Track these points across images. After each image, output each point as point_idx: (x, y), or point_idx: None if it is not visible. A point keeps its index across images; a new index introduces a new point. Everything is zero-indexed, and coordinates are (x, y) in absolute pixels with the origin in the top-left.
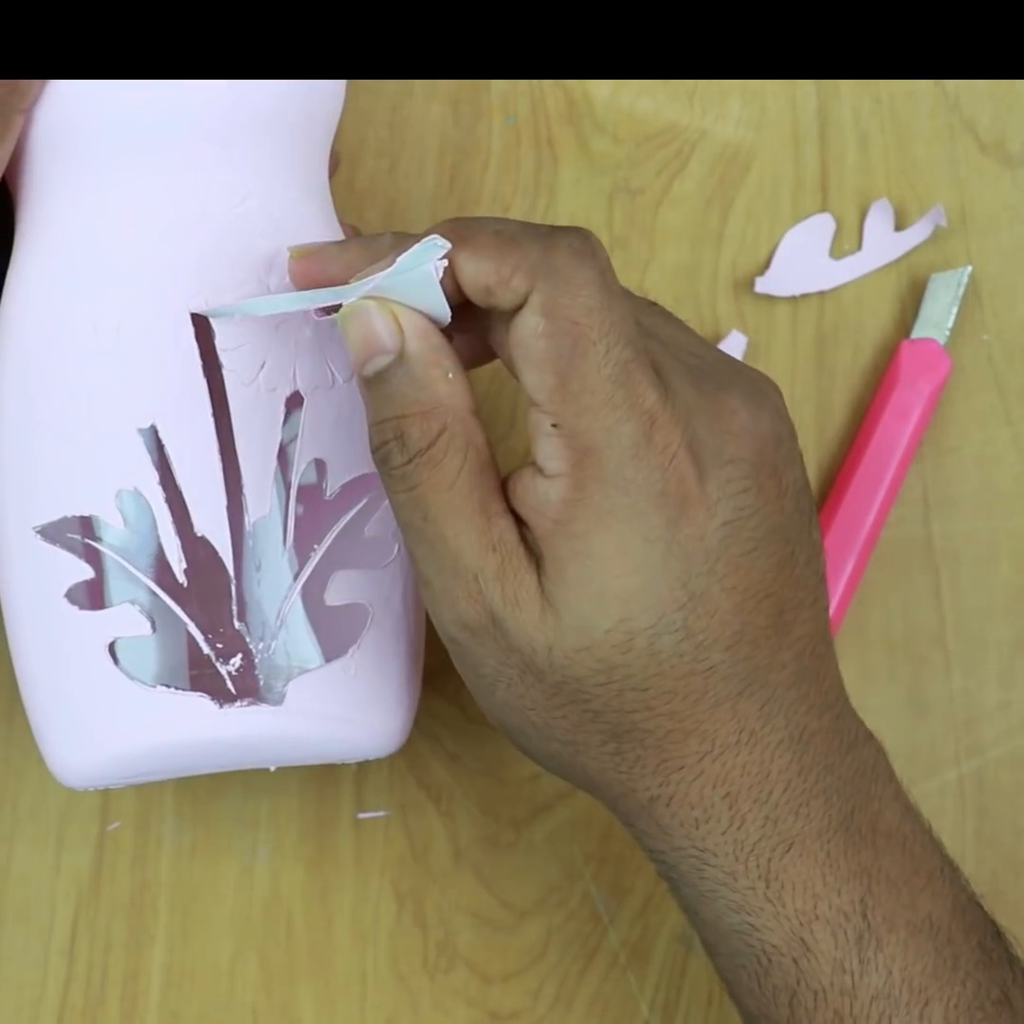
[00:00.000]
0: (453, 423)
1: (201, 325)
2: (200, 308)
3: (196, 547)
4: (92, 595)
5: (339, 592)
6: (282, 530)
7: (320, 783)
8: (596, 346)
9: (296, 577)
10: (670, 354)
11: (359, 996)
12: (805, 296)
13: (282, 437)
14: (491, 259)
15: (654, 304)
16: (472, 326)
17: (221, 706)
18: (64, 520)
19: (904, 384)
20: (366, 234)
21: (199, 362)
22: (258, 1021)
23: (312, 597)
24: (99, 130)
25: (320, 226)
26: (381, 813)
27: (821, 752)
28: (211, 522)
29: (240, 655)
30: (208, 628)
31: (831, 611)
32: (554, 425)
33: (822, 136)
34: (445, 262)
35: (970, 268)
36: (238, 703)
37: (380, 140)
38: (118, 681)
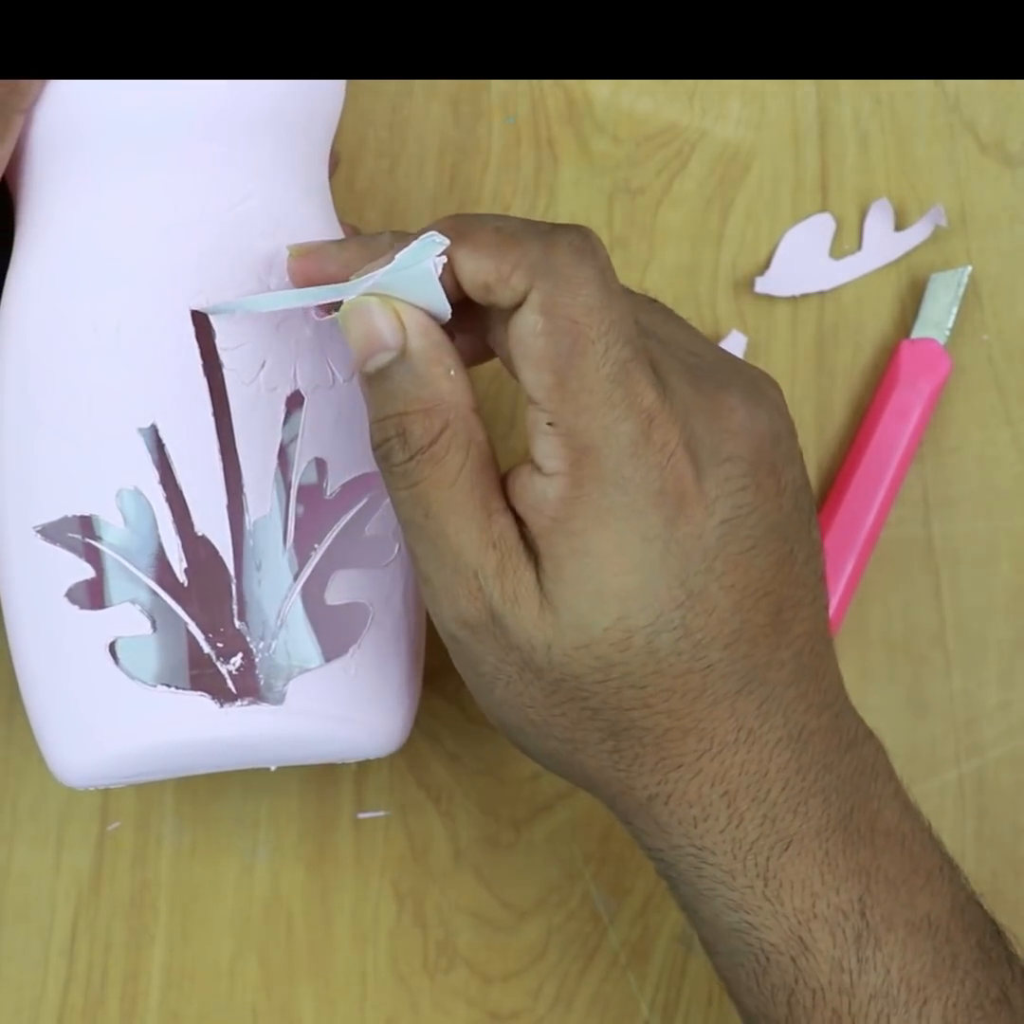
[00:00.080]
0: (455, 420)
1: (201, 324)
2: (201, 306)
3: (196, 546)
4: (92, 595)
5: (339, 591)
6: (282, 529)
7: (320, 783)
8: (595, 345)
9: (296, 576)
10: (668, 352)
11: (359, 996)
12: (805, 296)
13: (282, 436)
14: (491, 256)
15: (654, 301)
16: (471, 325)
17: (221, 705)
18: (64, 520)
19: (904, 384)
20: (365, 233)
21: (199, 361)
22: (258, 1021)
23: (312, 596)
24: (99, 130)
25: (320, 226)
26: (381, 813)
27: (820, 750)
28: (211, 521)
29: (240, 654)
30: (208, 627)
31: (831, 611)
32: (551, 423)
33: (822, 136)
34: (444, 258)
35: (970, 268)
36: (238, 702)
37: (380, 140)
38: (118, 681)
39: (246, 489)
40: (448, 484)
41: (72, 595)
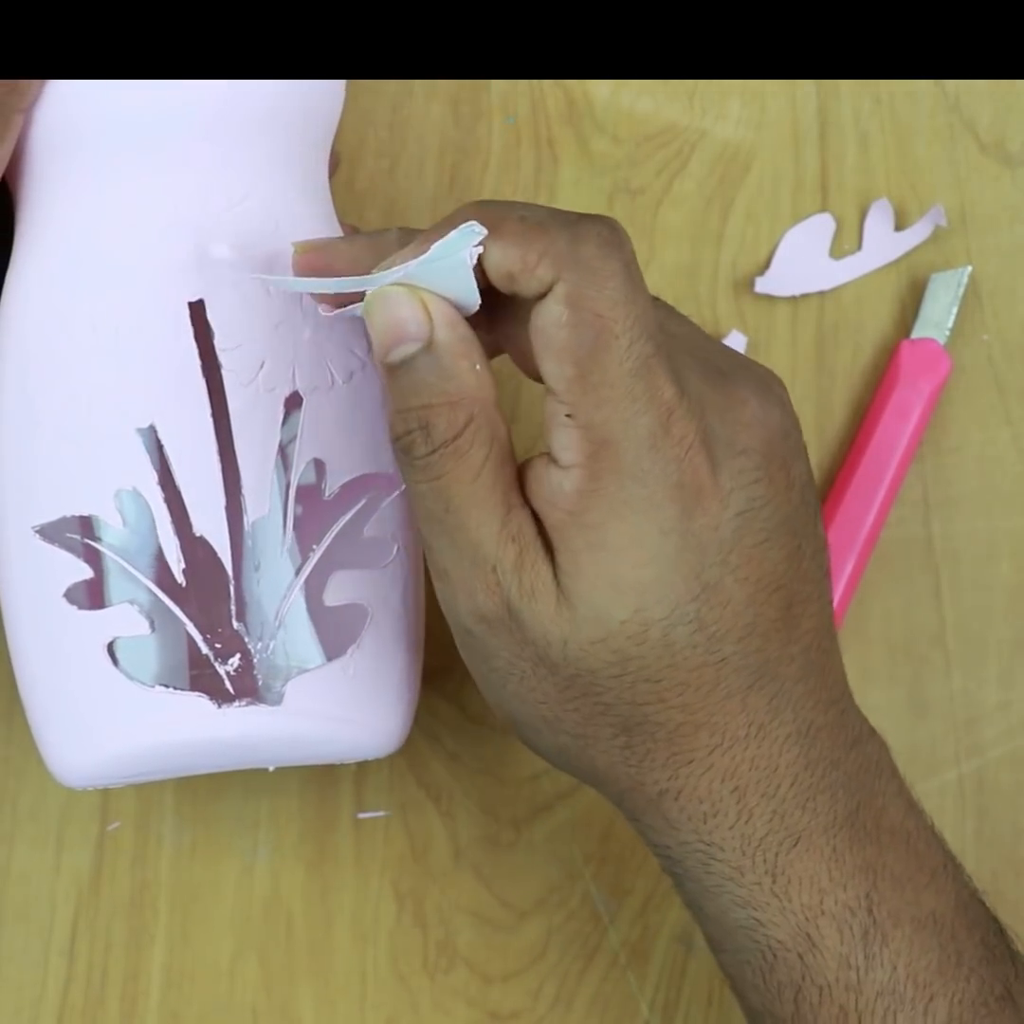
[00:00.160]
0: (479, 414)
1: (200, 325)
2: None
3: (195, 547)
4: (91, 595)
5: (338, 592)
6: (281, 530)
7: (320, 783)
8: (619, 339)
9: (295, 577)
10: (681, 347)
11: (359, 996)
12: (805, 296)
13: (281, 437)
14: (517, 246)
15: (657, 298)
16: (479, 319)
17: (220, 706)
18: (63, 520)
19: (904, 384)
20: (369, 230)
21: (198, 362)
22: (258, 1021)
23: (311, 597)
24: (99, 130)
25: (320, 226)
26: (381, 813)
27: (827, 747)
28: (210, 522)
29: (238, 655)
30: (207, 628)
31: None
32: (569, 415)
33: (822, 136)
34: (481, 249)
35: (970, 268)
36: (237, 703)
37: (380, 140)
38: (117, 681)
39: (245, 490)
40: (471, 478)
41: (70, 595)
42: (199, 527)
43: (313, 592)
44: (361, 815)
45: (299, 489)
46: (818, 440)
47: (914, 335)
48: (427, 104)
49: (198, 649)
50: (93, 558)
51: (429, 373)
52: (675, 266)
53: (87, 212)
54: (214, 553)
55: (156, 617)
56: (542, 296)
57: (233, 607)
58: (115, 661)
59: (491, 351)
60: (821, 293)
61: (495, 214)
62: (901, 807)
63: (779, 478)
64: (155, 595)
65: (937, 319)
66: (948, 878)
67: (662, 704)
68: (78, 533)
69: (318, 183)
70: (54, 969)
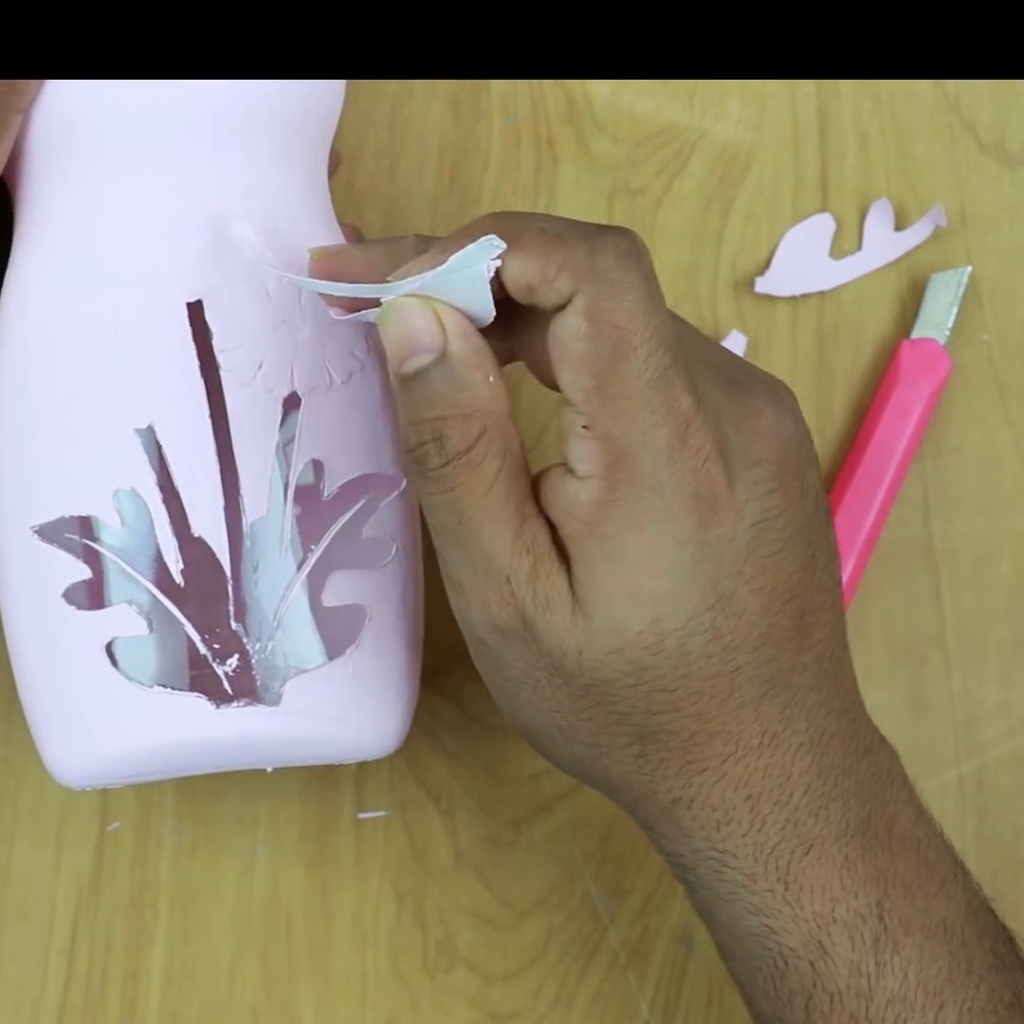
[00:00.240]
0: (492, 426)
1: (198, 326)
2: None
3: (193, 548)
4: (89, 595)
5: (337, 593)
6: (279, 531)
7: (320, 783)
8: (637, 351)
9: (293, 578)
10: (696, 357)
11: (359, 996)
12: (805, 296)
13: (279, 438)
14: (536, 257)
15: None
16: (494, 328)
17: (218, 707)
18: (62, 520)
19: (904, 384)
20: (386, 237)
21: (196, 363)
22: (258, 1021)
23: (310, 598)
24: (98, 130)
25: (319, 226)
26: (381, 813)
27: (839, 755)
28: (208, 523)
29: (237, 656)
30: (205, 629)
31: None
32: (586, 426)
33: (822, 136)
34: (499, 262)
35: (970, 268)
36: (235, 704)
37: (380, 140)
38: (115, 681)
39: (243, 490)
40: (484, 490)
41: (69, 595)
42: (197, 528)
43: (312, 592)
44: (361, 815)
45: (298, 489)
46: (818, 440)
47: (914, 335)
48: (427, 104)
49: (196, 649)
50: (92, 558)
51: (443, 385)
52: (675, 266)
53: (86, 212)
54: (212, 553)
55: (154, 617)
56: (560, 308)
57: (231, 607)
58: (114, 661)
59: (506, 359)
60: (821, 293)
61: (514, 226)
62: (912, 815)
63: (793, 488)
64: (153, 595)
65: (937, 319)
66: (958, 886)
67: (677, 713)
68: (77, 533)
69: (318, 183)
70: (54, 969)
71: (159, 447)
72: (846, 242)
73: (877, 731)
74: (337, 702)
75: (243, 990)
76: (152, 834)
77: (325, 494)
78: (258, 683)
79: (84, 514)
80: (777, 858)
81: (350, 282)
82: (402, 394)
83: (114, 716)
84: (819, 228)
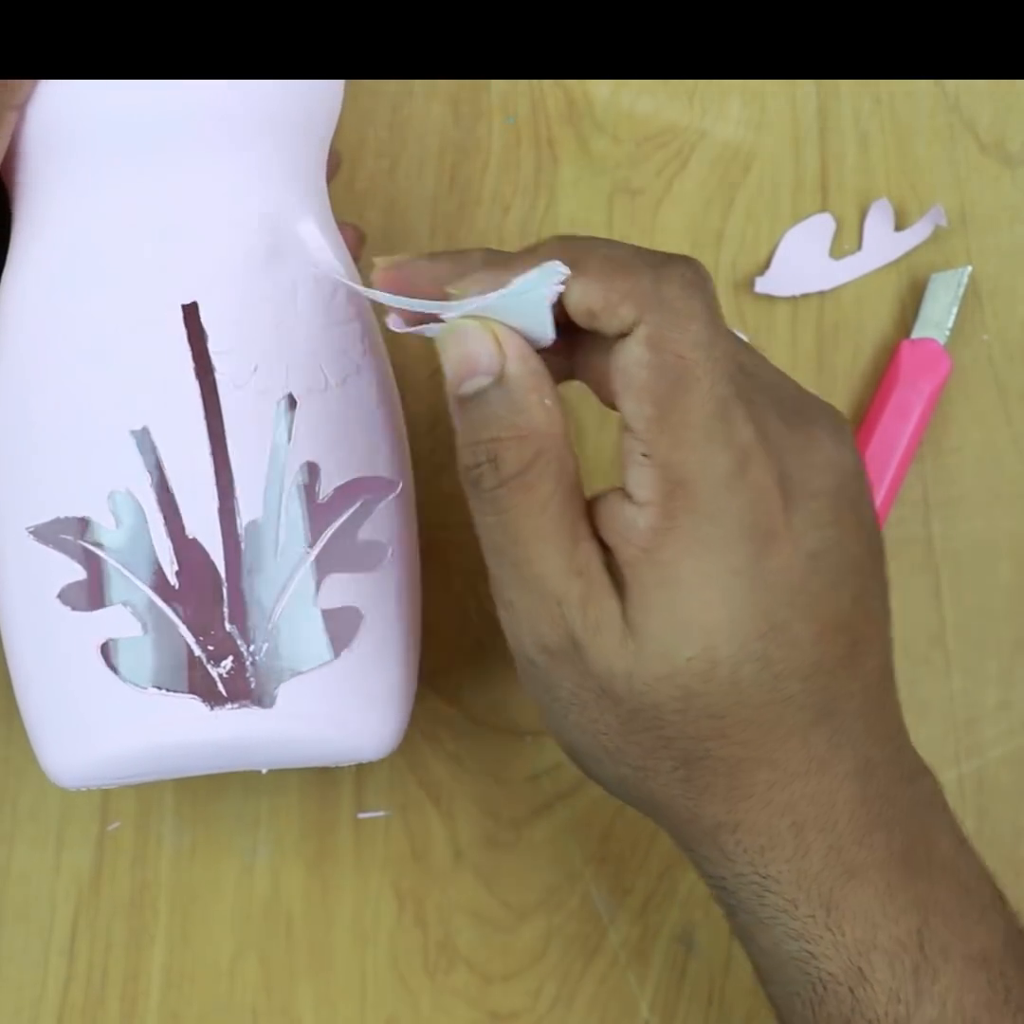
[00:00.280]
0: (548, 449)
1: (194, 327)
2: (339, 274)
3: (188, 549)
4: (85, 596)
5: (332, 595)
6: (275, 533)
7: (320, 783)
8: (700, 382)
9: (288, 580)
10: (758, 386)
11: (359, 996)
12: (805, 296)
13: (274, 440)
14: (600, 284)
15: (734, 334)
16: (553, 347)
17: (212, 708)
18: (57, 521)
19: (904, 384)
20: (453, 250)
21: (191, 365)
22: (258, 1021)
23: (304, 600)
24: (93, 130)
25: (317, 228)
26: (381, 813)
27: (884, 783)
28: (203, 525)
29: (231, 658)
30: (199, 630)
31: None
32: (646, 454)
33: (822, 136)
34: (562, 288)
35: (970, 268)
36: (229, 705)
37: (380, 140)
38: (111, 682)
39: (238, 493)
40: (537, 512)
41: (65, 596)
42: (192, 529)
43: (306, 595)
44: (361, 815)
45: (292, 492)
46: None
47: (914, 335)
48: (427, 104)
49: (191, 651)
50: (87, 559)
51: (499, 407)
52: None
53: (82, 213)
54: (207, 555)
55: (149, 619)
56: (622, 335)
57: (226, 609)
58: (109, 662)
59: (564, 377)
60: (821, 293)
61: (579, 251)
62: (953, 842)
63: (849, 520)
64: (148, 597)
65: (937, 319)
66: (997, 914)
67: (724, 740)
68: (72, 534)
69: (316, 184)
70: (54, 969)
71: (154, 449)
72: (846, 242)
73: (920, 758)
74: (332, 705)
75: (243, 990)
76: (152, 834)
77: (321, 497)
78: (253, 685)
79: (79, 515)
80: (819, 884)
81: (415, 293)
82: (459, 415)
83: (109, 717)
84: (819, 228)
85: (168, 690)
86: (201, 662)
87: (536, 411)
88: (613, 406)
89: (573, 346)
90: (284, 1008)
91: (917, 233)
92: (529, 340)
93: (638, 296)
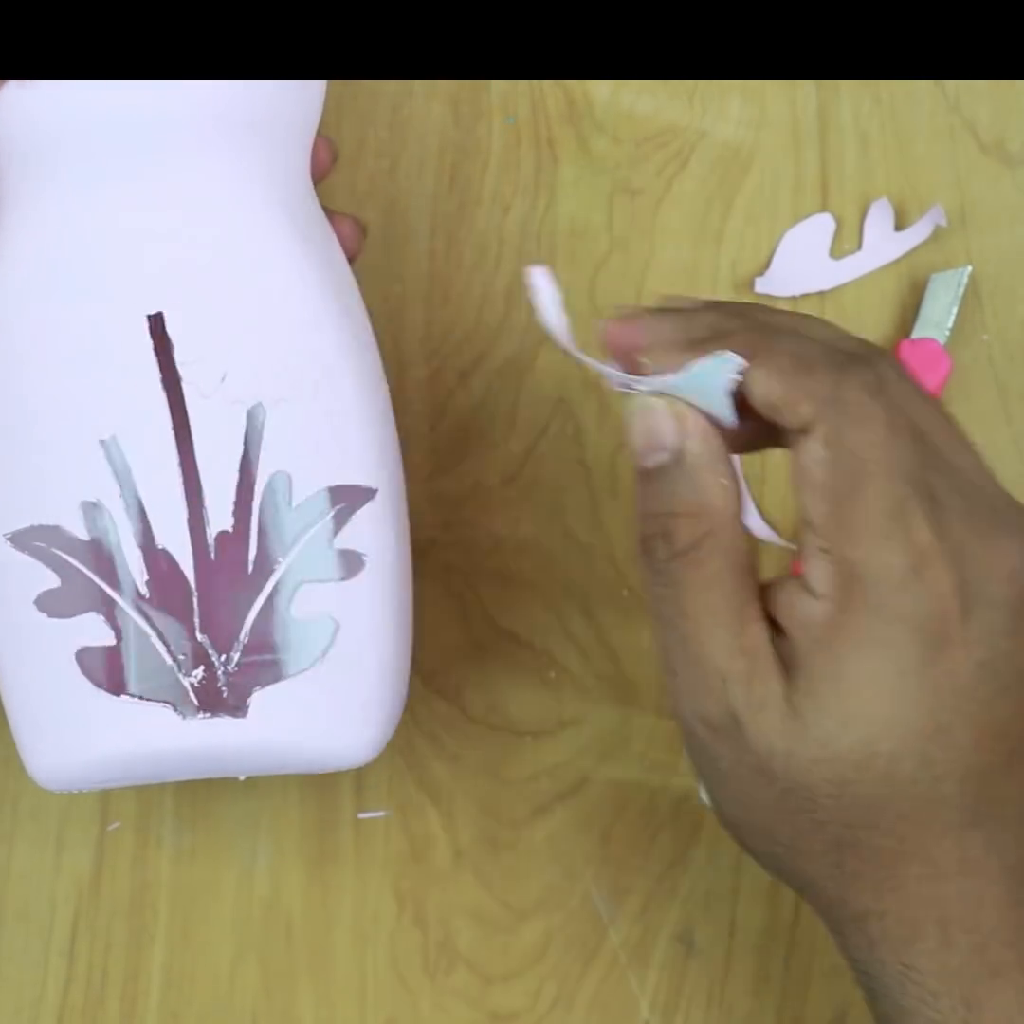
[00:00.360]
0: (720, 528)
1: (159, 338)
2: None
3: (157, 559)
4: (60, 604)
5: (306, 604)
6: (245, 543)
7: (320, 783)
8: (876, 481)
9: (260, 590)
10: (948, 485)
11: (359, 996)
12: (805, 296)
13: (244, 450)
14: (782, 381)
15: (944, 416)
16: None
17: (184, 717)
18: (32, 528)
19: None
20: (679, 302)
21: (158, 375)
22: (258, 1022)
23: (276, 610)
24: (58, 138)
25: (290, 233)
26: (381, 813)
27: None
28: (172, 535)
29: (203, 667)
30: (171, 639)
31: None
32: (824, 549)
33: (822, 136)
34: (739, 377)
35: (970, 268)
36: (201, 715)
37: (380, 140)
38: (86, 689)
39: (206, 503)
40: (705, 588)
41: (41, 603)
42: (161, 539)
43: (279, 605)
44: (361, 815)
45: (263, 501)
46: None
47: (914, 335)
48: (427, 104)
49: (163, 660)
50: (61, 567)
51: (677, 483)
52: (675, 266)
53: (49, 220)
54: (177, 566)
55: (121, 628)
56: (803, 430)
57: (197, 620)
58: (84, 670)
59: (749, 448)
60: (821, 293)
61: (768, 341)
62: None
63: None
64: (120, 606)
65: (937, 319)
66: None
67: (876, 830)
68: (46, 542)
69: (295, 187)
70: (54, 969)
71: (123, 459)
72: (846, 242)
73: None
74: (305, 714)
75: (243, 991)
76: (152, 835)
77: (293, 506)
78: (225, 694)
79: (52, 523)
80: (962, 980)
81: (634, 349)
82: (640, 486)
83: (86, 723)
84: (819, 228)
85: (141, 698)
86: (173, 671)
87: (712, 490)
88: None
89: (759, 424)
90: (284, 1008)
91: (917, 233)
92: (713, 418)
93: (818, 397)
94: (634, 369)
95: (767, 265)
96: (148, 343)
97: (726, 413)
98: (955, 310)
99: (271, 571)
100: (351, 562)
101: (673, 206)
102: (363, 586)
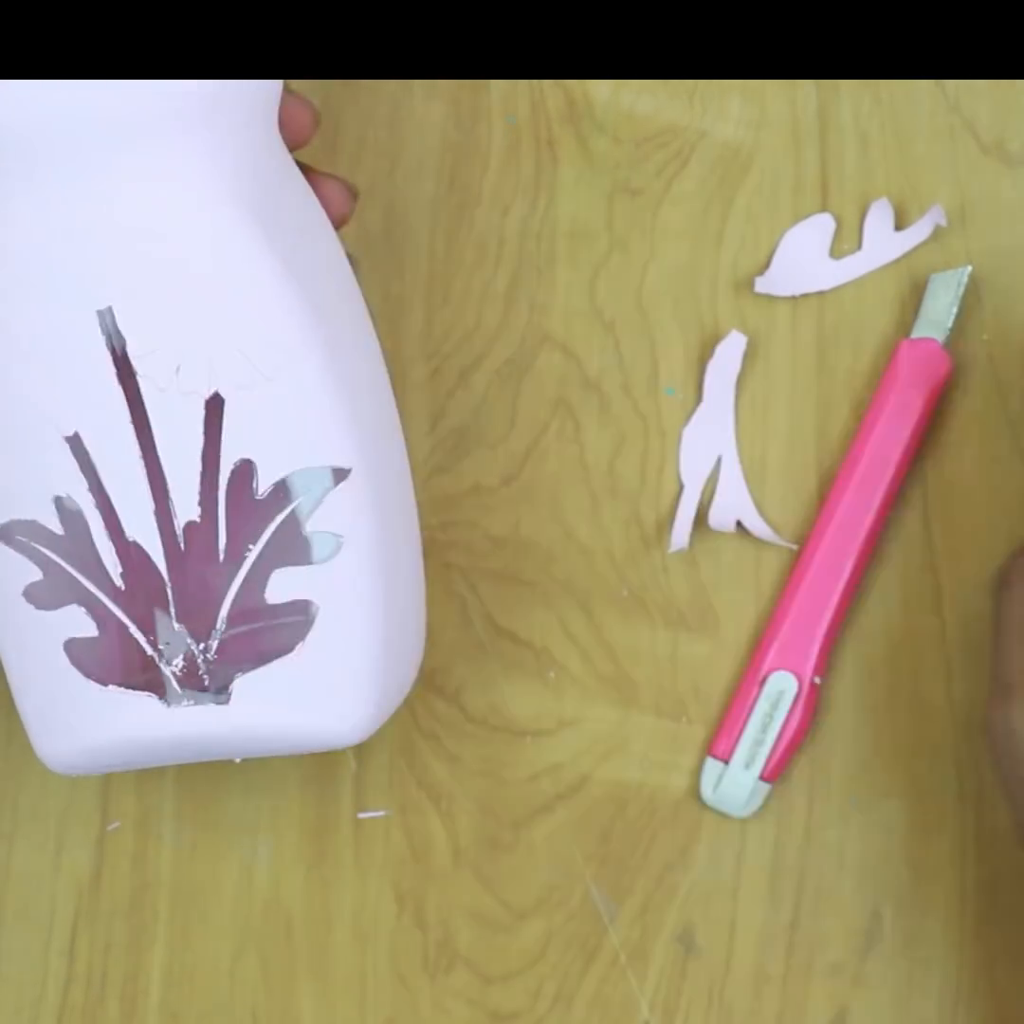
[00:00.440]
0: None
1: (111, 333)
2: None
3: (129, 552)
4: (44, 596)
5: (281, 589)
6: (213, 532)
7: (320, 783)
8: None
9: (232, 578)
10: None
11: (359, 996)
12: (805, 296)
13: (205, 439)
14: None
15: None
16: None
17: (169, 705)
18: (13, 522)
19: (904, 384)
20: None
21: (113, 370)
22: (258, 1021)
23: (251, 596)
24: (5, 132)
25: (245, 217)
26: (381, 813)
27: None
28: (141, 528)
29: (182, 656)
30: (149, 630)
31: (830, 611)
32: None
33: (822, 136)
34: None
35: (970, 268)
36: (185, 702)
37: (380, 140)
38: (75, 678)
39: (172, 494)
40: None
41: (28, 595)
42: (131, 532)
43: (253, 591)
44: (361, 815)
45: (229, 489)
46: (818, 440)
47: (914, 335)
48: (427, 104)
49: (143, 650)
50: (41, 561)
51: None
52: (675, 266)
53: (2, 219)
54: (148, 557)
55: (101, 619)
56: None
57: (173, 609)
58: (72, 660)
59: None
60: (821, 293)
61: None
62: None
63: None
64: (98, 598)
65: (937, 319)
66: None
67: None
68: (27, 536)
69: (259, 159)
70: (54, 969)
71: (87, 454)
72: (846, 242)
73: None
74: (288, 696)
75: (243, 990)
76: (152, 834)
77: (258, 493)
78: (207, 682)
79: (29, 518)
80: None
81: None
82: None
83: (77, 712)
84: (819, 228)
85: (126, 687)
86: (154, 661)
87: None
88: None
89: None
90: (284, 1008)
91: (917, 233)
92: None
93: None
94: None
95: (767, 265)
96: (100, 339)
97: None
98: (955, 310)
99: (243, 558)
100: (324, 545)
101: (673, 206)
102: (342, 567)
